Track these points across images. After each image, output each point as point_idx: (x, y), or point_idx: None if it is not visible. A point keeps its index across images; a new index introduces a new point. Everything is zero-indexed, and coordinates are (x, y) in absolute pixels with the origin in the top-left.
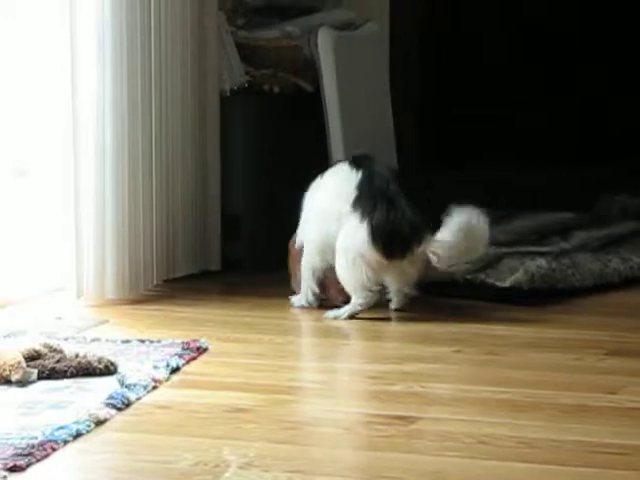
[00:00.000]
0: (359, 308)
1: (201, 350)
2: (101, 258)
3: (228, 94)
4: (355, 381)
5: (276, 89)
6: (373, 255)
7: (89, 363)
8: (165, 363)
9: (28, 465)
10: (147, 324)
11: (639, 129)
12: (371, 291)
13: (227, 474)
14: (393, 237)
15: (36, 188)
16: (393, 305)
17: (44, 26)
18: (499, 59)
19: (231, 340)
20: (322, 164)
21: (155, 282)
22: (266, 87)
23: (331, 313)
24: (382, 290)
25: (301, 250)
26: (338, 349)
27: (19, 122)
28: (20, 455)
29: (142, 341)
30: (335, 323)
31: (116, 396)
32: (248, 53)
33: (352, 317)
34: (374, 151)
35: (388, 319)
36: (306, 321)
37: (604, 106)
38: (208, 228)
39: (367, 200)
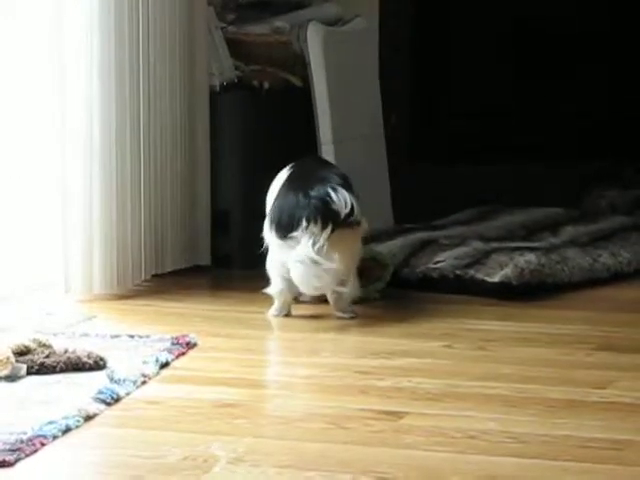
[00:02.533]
0: (277, 298)
1: (190, 345)
2: (89, 253)
3: (218, 89)
4: (344, 376)
5: (266, 84)
6: (271, 236)
7: (78, 358)
8: (154, 358)
9: (17, 460)
10: (136, 319)
11: (629, 124)
12: (284, 278)
13: (216, 469)
14: (281, 217)
15: (23, 183)
16: (332, 307)
17: (31, 23)
18: (490, 55)
19: (220, 335)
20: None
21: (144, 277)
22: (256, 82)
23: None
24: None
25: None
26: (326, 344)
27: (7, 115)
28: (9, 450)
29: (131, 336)
30: (325, 318)
31: (105, 391)
32: (237, 49)
33: (281, 312)
34: (363, 146)
35: (376, 314)
36: (295, 316)
37: (594, 102)
38: (197, 223)
39: (279, 195)
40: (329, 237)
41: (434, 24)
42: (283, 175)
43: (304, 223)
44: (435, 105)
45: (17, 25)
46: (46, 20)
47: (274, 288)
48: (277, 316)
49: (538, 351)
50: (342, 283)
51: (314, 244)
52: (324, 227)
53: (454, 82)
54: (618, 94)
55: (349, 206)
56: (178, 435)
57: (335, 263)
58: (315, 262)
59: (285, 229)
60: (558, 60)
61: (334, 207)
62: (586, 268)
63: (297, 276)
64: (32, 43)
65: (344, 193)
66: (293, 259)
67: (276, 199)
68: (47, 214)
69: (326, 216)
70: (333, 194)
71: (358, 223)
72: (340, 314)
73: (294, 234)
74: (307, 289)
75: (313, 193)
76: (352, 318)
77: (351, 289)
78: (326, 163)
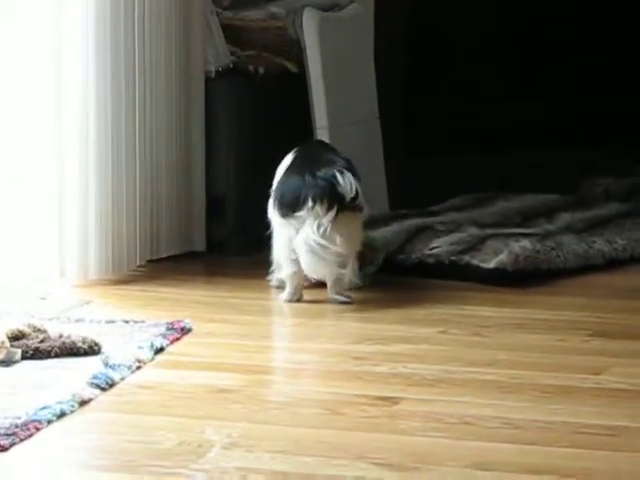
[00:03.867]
0: (289, 281)
1: (185, 331)
2: (84, 238)
3: (213, 75)
4: (339, 362)
5: (261, 70)
6: (274, 215)
7: (73, 343)
8: (149, 343)
9: (11, 445)
10: (131, 304)
11: (623, 111)
12: (292, 260)
13: (211, 454)
14: (284, 195)
15: (19, 169)
16: (329, 290)
17: (28, 13)
18: (488, 41)
19: (215, 321)
20: None
21: (139, 262)
22: (251, 68)
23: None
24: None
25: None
26: (322, 330)
27: (2, 103)
28: (3, 435)
29: (126, 321)
30: (320, 304)
31: (100, 376)
32: (233, 34)
33: (294, 296)
34: (358, 132)
35: (372, 301)
36: (290, 302)
37: (591, 90)
38: (193, 209)
39: (284, 175)
40: (333, 220)
41: (430, 9)
42: (289, 158)
43: (310, 203)
44: (431, 91)
45: (14, 13)
46: (42, 10)
47: (285, 272)
48: (290, 301)
49: (533, 337)
50: (342, 266)
51: (319, 227)
52: (329, 209)
53: (451, 68)
54: (615, 80)
55: (354, 190)
56: (173, 420)
57: (338, 246)
58: (321, 246)
59: (289, 207)
60: (555, 48)
61: (340, 190)
62: (581, 254)
63: (305, 262)
64: (30, 31)
65: (350, 177)
66: (299, 243)
67: (281, 179)
68: (43, 199)
69: (332, 198)
70: (340, 177)
71: (361, 208)
72: (336, 297)
73: (299, 213)
74: (313, 274)
75: (320, 174)
76: (347, 303)
77: (350, 273)
78: (331, 148)
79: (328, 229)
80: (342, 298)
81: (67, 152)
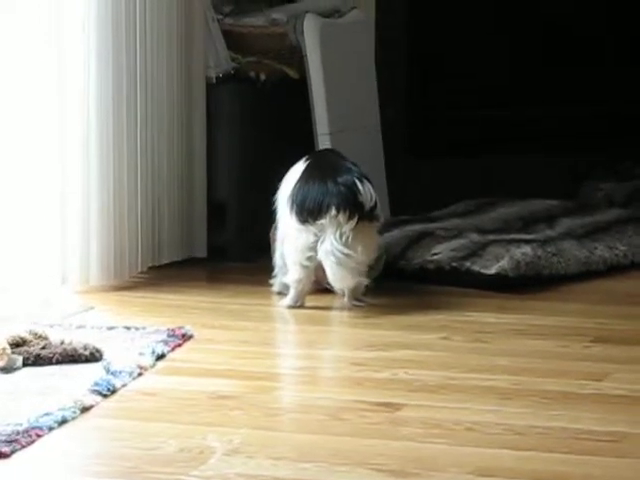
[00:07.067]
0: (294, 287)
1: (186, 337)
2: (86, 244)
3: (214, 81)
4: (340, 368)
5: (262, 76)
6: (292, 220)
7: (74, 350)
8: (150, 350)
9: (13, 452)
10: (132, 311)
11: (624, 116)
12: (303, 266)
13: (212, 460)
14: (305, 201)
15: (21, 173)
16: (347, 296)
17: (29, 12)
18: (487, 46)
19: (216, 327)
20: (308, 152)
21: (140, 269)
22: (252, 74)
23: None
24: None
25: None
26: (323, 336)
27: (4, 107)
28: (5, 442)
29: (127, 328)
30: (321, 310)
31: (101, 383)
32: (234, 40)
33: (296, 302)
34: (360, 138)
35: (373, 306)
36: (292, 308)
37: (592, 94)
38: (194, 215)
39: (301, 180)
40: (353, 229)
41: (430, 16)
42: (300, 166)
43: (333, 211)
44: (431, 97)
45: (14, 10)
46: (43, 20)
47: (292, 276)
48: (292, 307)
49: (534, 343)
50: (362, 274)
51: (341, 236)
52: (350, 218)
53: (450, 74)
54: (617, 84)
55: (373, 199)
56: (174, 427)
57: (359, 255)
58: (346, 255)
59: (310, 213)
60: (556, 52)
61: (361, 199)
62: (582, 260)
63: (332, 274)
64: (30, 31)
65: (369, 186)
66: (325, 254)
67: (297, 185)
68: (45, 205)
69: (354, 207)
70: (360, 185)
71: (378, 217)
72: (354, 302)
73: (321, 221)
74: (338, 285)
75: (341, 181)
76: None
77: (365, 280)
78: (343, 156)
79: (350, 238)
80: (359, 303)
81: (68, 158)
